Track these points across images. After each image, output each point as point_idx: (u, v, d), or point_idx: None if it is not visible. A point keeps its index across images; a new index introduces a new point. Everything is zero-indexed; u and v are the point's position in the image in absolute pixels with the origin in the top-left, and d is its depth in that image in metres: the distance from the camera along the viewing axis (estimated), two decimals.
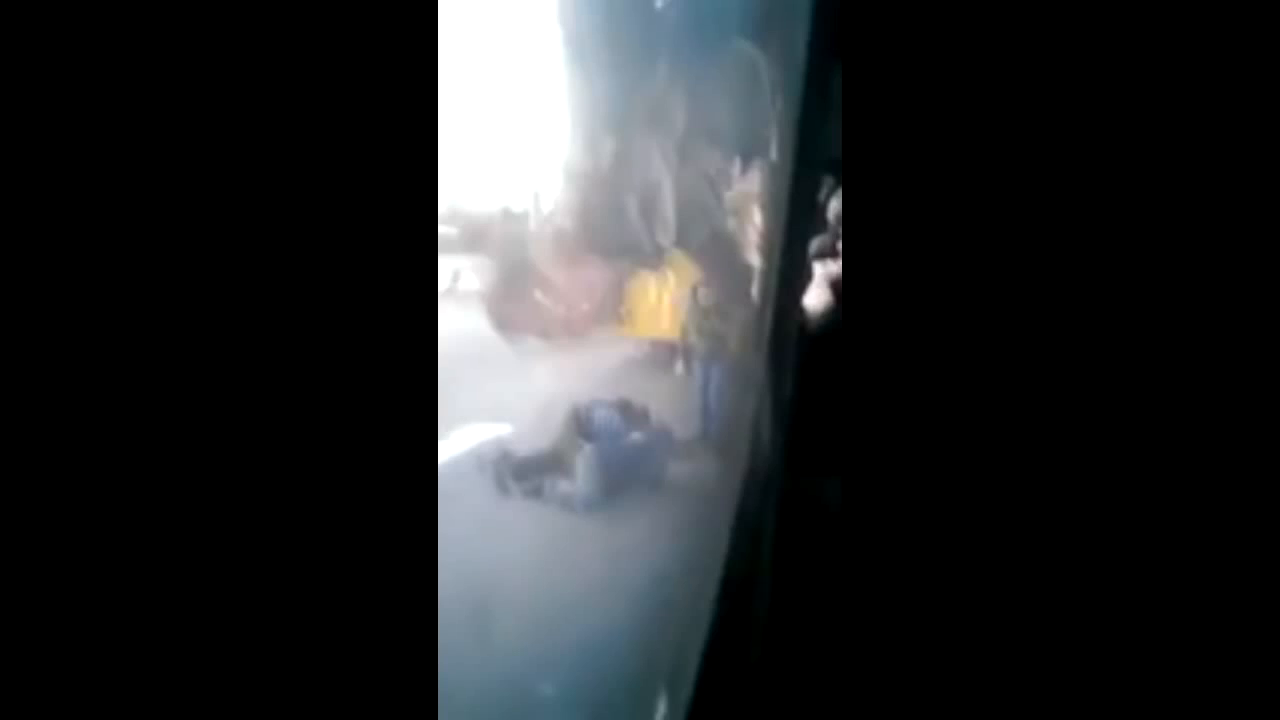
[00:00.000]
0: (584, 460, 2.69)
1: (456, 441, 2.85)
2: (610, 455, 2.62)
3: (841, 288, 0.63)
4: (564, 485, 2.66)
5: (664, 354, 3.34)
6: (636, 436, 2.69)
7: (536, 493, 2.69)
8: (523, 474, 2.72)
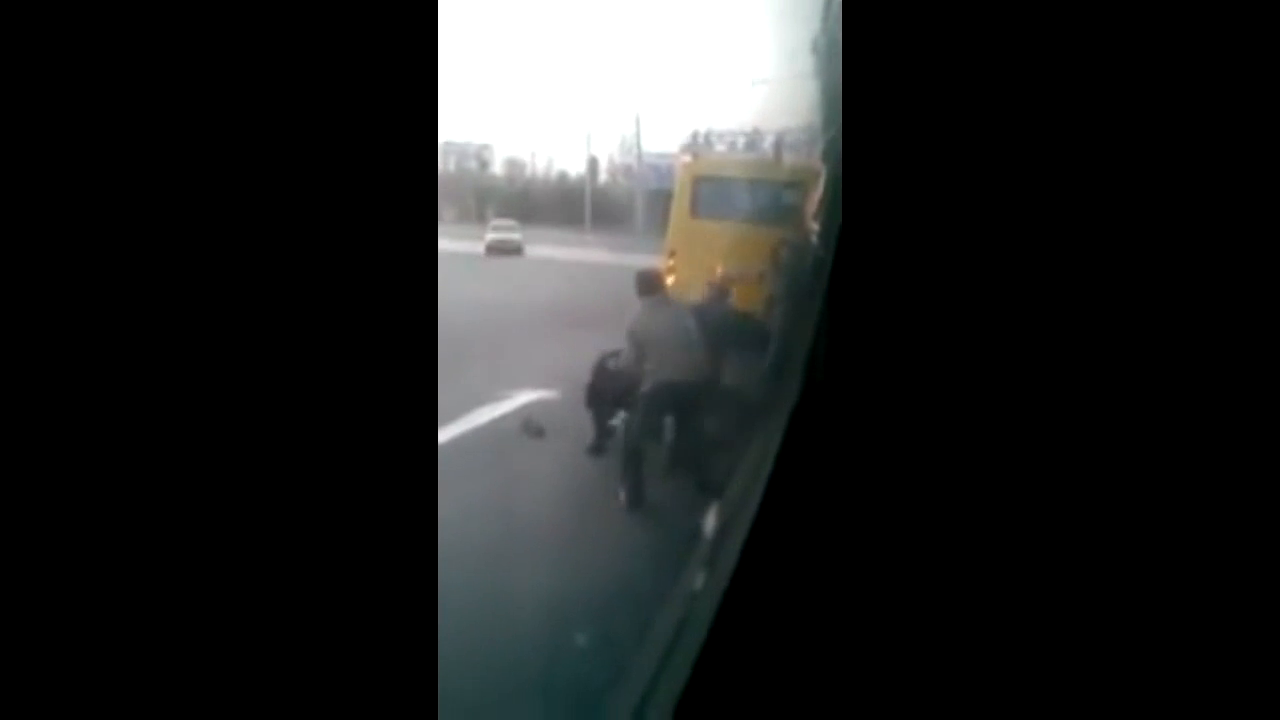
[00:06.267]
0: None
1: (510, 402, 3.17)
2: None
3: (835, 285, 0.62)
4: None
5: None
6: None
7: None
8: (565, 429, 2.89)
